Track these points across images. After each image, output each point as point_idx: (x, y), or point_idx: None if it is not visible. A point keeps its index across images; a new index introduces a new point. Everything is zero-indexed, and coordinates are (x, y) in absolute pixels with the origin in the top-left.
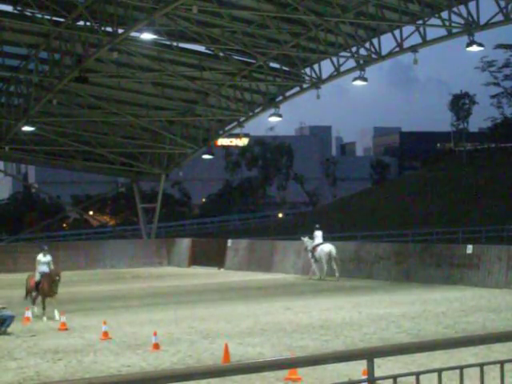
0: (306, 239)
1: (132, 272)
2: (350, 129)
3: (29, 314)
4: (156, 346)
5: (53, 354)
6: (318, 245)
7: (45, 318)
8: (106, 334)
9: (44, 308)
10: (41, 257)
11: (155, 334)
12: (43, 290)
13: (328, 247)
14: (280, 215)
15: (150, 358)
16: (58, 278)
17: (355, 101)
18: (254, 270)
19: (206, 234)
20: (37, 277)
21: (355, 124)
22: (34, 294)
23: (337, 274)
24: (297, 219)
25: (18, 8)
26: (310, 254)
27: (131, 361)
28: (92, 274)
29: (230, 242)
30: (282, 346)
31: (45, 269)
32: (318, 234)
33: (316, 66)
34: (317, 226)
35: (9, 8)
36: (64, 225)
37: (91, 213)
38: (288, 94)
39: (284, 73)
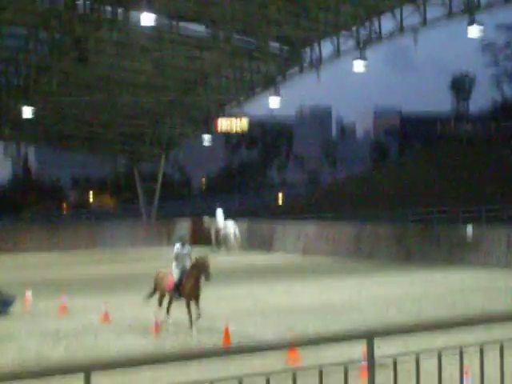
0: (207, 218)
1: (132, 252)
2: (350, 110)
3: (29, 294)
4: (157, 328)
5: (53, 335)
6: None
7: (194, 332)
8: (106, 315)
9: (191, 317)
10: (179, 247)
11: (157, 315)
12: (188, 291)
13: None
14: (280, 196)
15: (151, 339)
16: (207, 273)
17: (355, 82)
18: (255, 250)
19: (205, 214)
20: (175, 274)
21: (355, 106)
22: (170, 296)
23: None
24: (297, 200)
25: None
26: (213, 232)
27: (132, 342)
28: (92, 254)
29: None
30: (282, 327)
31: (186, 263)
32: (220, 213)
33: (316, 47)
34: (217, 204)
35: None
36: (64, 206)
37: (91, 193)
38: (288, 74)
39: (284, 53)
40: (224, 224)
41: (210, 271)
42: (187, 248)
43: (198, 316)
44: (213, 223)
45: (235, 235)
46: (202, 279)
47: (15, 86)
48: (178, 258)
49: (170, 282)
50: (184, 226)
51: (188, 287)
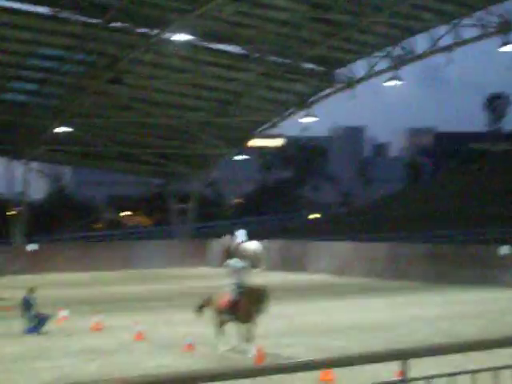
0: (227, 238)
1: (166, 272)
2: (384, 130)
3: (63, 313)
4: (190, 347)
5: (87, 353)
6: (241, 242)
7: (252, 350)
8: (140, 334)
9: (245, 339)
10: (233, 263)
11: (189, 334)
12: (244, 312)
13: (254, 244)
14: (314, 216)
15: (184, 358)
16: (262, 306)
17: (389, 102)
18: (288, 270)
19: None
20: (231, 290)
21: (389, 125)
22: (222, 314)
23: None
24: (331, 220)
25: (54, 10)
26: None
27: (165, 361)
28: (127, 274)
29: (264, 242)
30: (316, 346)
31: (243, 278)
32: (241, 233)
33: (350, 67)
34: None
35: (45, 10)
36: (98, 225)
37: (126, 213)
38: (322, 94)
39: (318, 73)
40: (246, 243)
41: (266, 305)
42: (242, 263)
43: (248, 339)
44: (230, 242)
45: (257, 254)
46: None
47: (51, 107)
48: (233, 273)
49: (224, 299)
50: (217, 246)
51: (244, 311)
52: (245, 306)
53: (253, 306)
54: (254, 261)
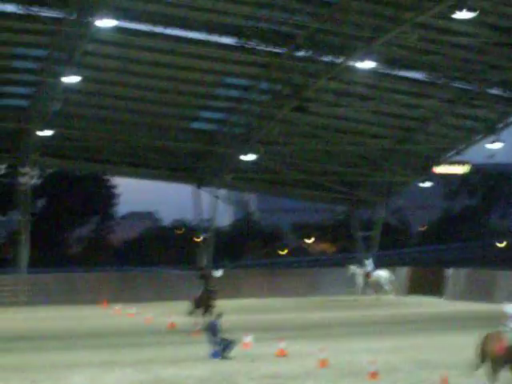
0: (353, 267)
1: (351, 299)
2: None
3: (248, 339)
4: (373, 375)
5: (271, 379)
6: (372, 271)
7: None
8: (324, 361)
9: None
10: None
11: (373, 362)
12: None
13: (385, 272)
14: (502, 244)
15: None
16: None
17: None
18: (475, 299)
19: (425, 262)
20: (508, 338)
21: None
22: (500, 364)
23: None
24: None
25: (240, 40)
26: (360, 280)
27: None
28: (312, 300)
29: (450, 270)
30: (503, 377)
31: None
32: (369, 262)
33: None
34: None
35: (231, 41)
36: (283, 252)
37: (311, 240)
38: (510, 120)
39: (505, 99)
40: (375, 271)
41: None
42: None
43: None
44: (359, 271)
45: (388, 280)
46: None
47: (237, 135)
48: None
49: (501, 345)
50: (402, 274)
51: None
52: None
53: None
54: (386, 288)
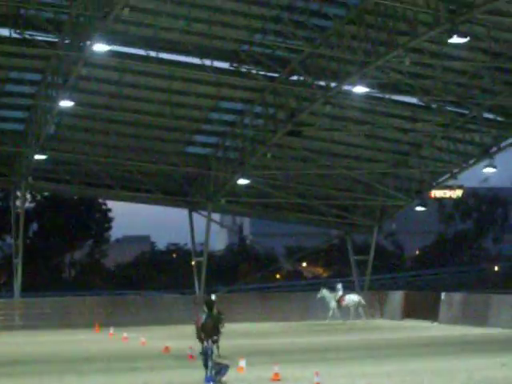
0: (324, 291)
1: (344, 324)
2: None
3: (242, 363)
4: None
5: None
6: (343, 295)
7: None
8: None
9: None
10: None
11: None
12: None
13: (357, 297)
14: (496, 268)
15: None
16: None
17: None
18: (469, 324)
19: (419, 286)
20: None
21: None
22: None
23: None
24: None
25: (234, 65)
26: (333, 303)
27: None
28: (305, 325)
29: (443, 295)
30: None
31: None
32: (339, 286)
33: None
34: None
35: (225, 65)
36: (277, 276)
37: (304, 264)
38: (503, 144)
39: (499, 123)
40: (346, 295)
41: None
42: None
43: None
44: (330, 295)
45: (360, 305)
46: None
47: (231, 159)
48: None
49: None
50: (396, 299)
51: None
52: None
53: None
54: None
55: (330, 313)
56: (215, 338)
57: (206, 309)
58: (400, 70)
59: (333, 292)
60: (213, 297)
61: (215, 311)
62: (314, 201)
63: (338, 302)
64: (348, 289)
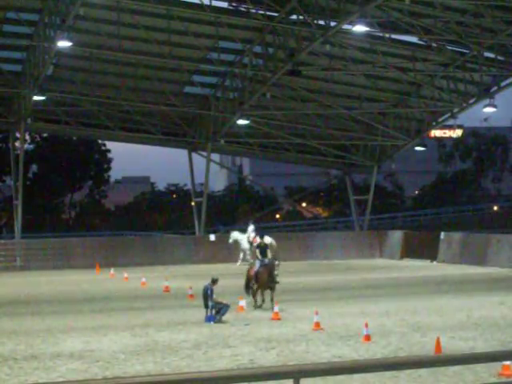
0: (236, 233)
1: (344, 263)
2: None
3: (243, 303)
4: (367, 338)
5: (266, 342)
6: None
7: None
8: (317, 324)
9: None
10: None
11: (366, 325)
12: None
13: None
14: (495, 208)
15: (361, 349)
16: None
17: None
18: (468, 263)
19: (418, 226)
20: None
21: None
22: None
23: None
24: None
25: (233, 4)
26: (246, 245)
27: (342, 351)
28: (305, 264)
29: (442, 234)
30: (495, 340)
31: None
32: (251, 228)
33: None
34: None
35: (224, 4)
36: (277, 216)
37: (304, 204)
38: (503, 84)
39: (499, 62)
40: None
41: None
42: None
43: None
44: (242, 237)
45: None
46: None
47: (231, 99)
48: None
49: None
50: (395, 238)
51: None
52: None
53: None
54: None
55: (241, 255)
56: (272, 285)
57: (259, 254)
58: (400, 9)
59: (244, 234)
60: (267, 239)
61: (269, 256)
62: (314, 141)
63: (251, 243)
64: (347, 228)
